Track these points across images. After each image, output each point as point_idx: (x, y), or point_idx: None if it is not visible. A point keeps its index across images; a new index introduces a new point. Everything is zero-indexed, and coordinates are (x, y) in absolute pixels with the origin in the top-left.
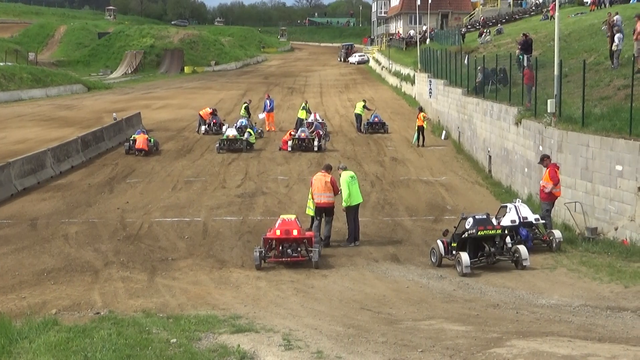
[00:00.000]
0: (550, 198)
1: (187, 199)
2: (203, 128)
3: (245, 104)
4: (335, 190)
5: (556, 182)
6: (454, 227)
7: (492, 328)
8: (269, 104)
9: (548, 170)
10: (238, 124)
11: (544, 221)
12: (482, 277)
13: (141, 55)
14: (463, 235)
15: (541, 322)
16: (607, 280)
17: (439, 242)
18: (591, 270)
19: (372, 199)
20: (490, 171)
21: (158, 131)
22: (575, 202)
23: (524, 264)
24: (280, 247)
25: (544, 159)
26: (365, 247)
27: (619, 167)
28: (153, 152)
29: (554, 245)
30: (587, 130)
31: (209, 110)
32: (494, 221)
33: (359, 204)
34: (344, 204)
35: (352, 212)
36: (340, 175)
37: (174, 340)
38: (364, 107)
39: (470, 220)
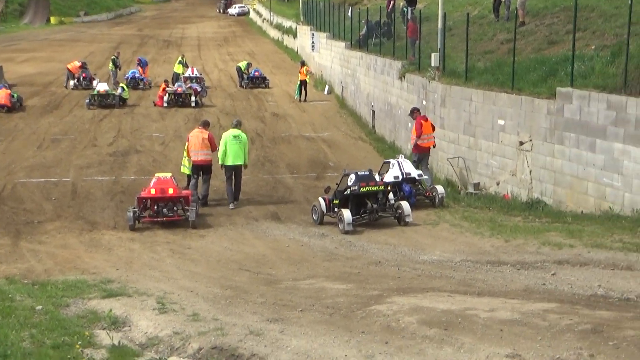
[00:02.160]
0: (417, 150)
1: (54, 158)
2: (72, 82)
3: (113, 57)
4: (213, 147)
5: (419, 134)
6: (336, 184)
7: (373, 285)
8: (142, 62)
9: (415, 123)
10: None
11: (426, 176)
12: (364, 234)
13: (2, 3)
14: (345, 192)
15: (422, 278)
16: (488, 234)
17: (320, 199)
18: (473, 225)
19: (252, 156)
20: (373, 127)
21: (22, 86)
22: (458, 157)
23: (407, 220)
24: (156, 207)
25: (414, 112)
26: (245, 206)
27: (501, 122)
28: (16, 108)
29: (437, 200)
30: (470, 84)
31: (77, 63)
32: (377, 177)
33: (239, 165)
34: (220, 162)
35: (230, 172)
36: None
37: (40, 307)
38: (247, 69)
39: (353, 176)
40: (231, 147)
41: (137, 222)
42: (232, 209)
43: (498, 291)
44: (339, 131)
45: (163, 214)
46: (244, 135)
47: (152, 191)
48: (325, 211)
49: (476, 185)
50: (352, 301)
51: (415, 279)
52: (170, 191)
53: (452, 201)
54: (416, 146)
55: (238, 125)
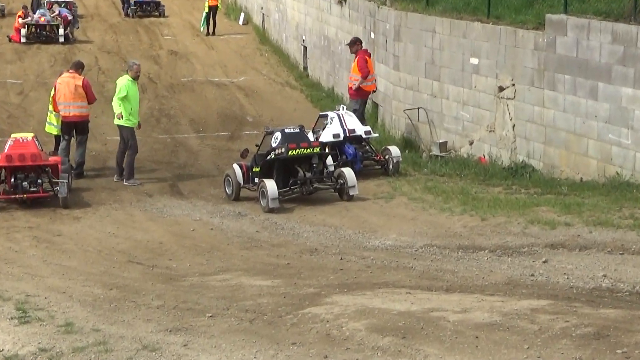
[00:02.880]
0: (359, 95)
1: None
2: None
3: None
4: (90, 97)
5: (366, 74)
6: (256, 145)
7: (308, 281)
8: None
9: (357, 59)
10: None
11: (375, 134)
12: (295, 213)
13: None
14: (269, 157)
15: (373, 270)
16: (459, 211)
17: (235, 167)
18: (439, 198)
19: (143, 110)
20: (305, 68)
21: None
22: (418, 108)
23: (351, 192)
24: (13, 180)
25: (355, 44)
26: (135, 177)
27: (474, 61)
28: None
29: (391, 166)
30: (432, 10)
31: None
32: (311, 136)
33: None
34: (122, 122)
35: (128, 133)
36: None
37: None
38: None
39: (278, 135)
40: (136, 100)
41: None
42: (116, 181)
43: (472, 285)
44: (259, 75)
45: (23, 189)
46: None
47: (8, 158)
48: (242, 183)
49: (443, 146)
50: (280, 302)
51: (363, 272)
52: (33, 158)
53: (412, 167)
54: (360, 90)
55: (132, 67)
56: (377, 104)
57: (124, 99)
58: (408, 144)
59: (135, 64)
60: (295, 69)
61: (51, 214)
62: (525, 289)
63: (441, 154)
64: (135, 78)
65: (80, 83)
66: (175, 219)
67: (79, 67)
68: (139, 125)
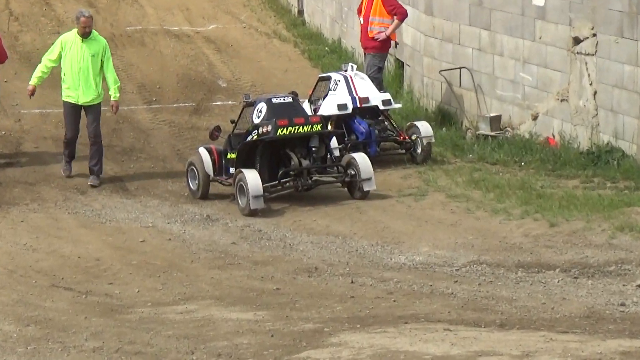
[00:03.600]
0: (383, 47)
1: None
2: None
3: None
4: (2, 55)
5: (404, 16)
6: (232, 122)
7: (305, 313)
8: None
9: None
10: None
11: (397, 104)
12: (287, 216)
13: None
14: (249, 138)
15: (396, 297)
16: (518, 213)
17: (203, 152)
18: (490, 195)
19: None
20: (301, 12)
21: None
22: (459, 67)
23: (366, 187)
24: None
25: None
26: (60, 167)
27: (538, 1)
28: None
29: (419, 150)
30: None
31: None
32: (307, 108)
33: (93, 104)
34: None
35: (74, 115)
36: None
37: None
38: None
39: (263, 107)
40: (74, 64)
41: None
42: (93, 185)
43: (538, 319)
44: (235, 22)
45: None
46: (102, 40)
47: None
48: (211, 174)
49: (495, 121)
50: (266, 344)
51: (382, 300)
52: None
53: (450, 151)
54: (387, 42)
55: (82, 20)
56: (402, 63)
57: (55, 62)
58: (445, 119)
59: (84, 15)
60: (286, 13)
61: None
62: (613, 324)
63: (493, 133)
64: (84, 35)
65: None
66: (118, 225)
67: None
68: (115, 106)
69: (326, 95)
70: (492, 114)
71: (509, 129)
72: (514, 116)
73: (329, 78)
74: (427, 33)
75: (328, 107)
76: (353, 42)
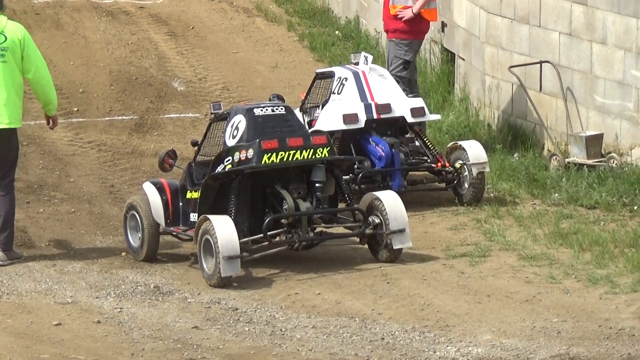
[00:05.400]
0: (415, 31)
1: None
2: None
3: None
4: None
5: None
6: (194, 143)
7: None
8: None
9: None
10: None
11: (434, 115)
12: (275, 287)
13: None
14: (220, 168)
15: None
16: (628, 284)
17: (149, 189)
18: (585, 257)
19: None
20: None
21: None
22: (539, 62)
23: (397, 245)
24: None
25: None
26: None
27: None
28: None
29: (466, 185)
30: None
31: None
32: (301, 118)
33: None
34: None
35: None
36: None
37: None
38: None
39: (241, 121)
40: None
41: None
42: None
43: None
44: None
45: None
46: (20, 31)
47: None
48: (163, 223)
49: (593, 143)
50: None
51: None
52: None
53: (525, 188)
54: (414, 22)
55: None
56: (452, 55)
57: None
58: (518, 139)
59: None
60: None
61: None
62: None
63: (590, 162)
64: None
65: None
66: (20, 301)
67: None
68: (51, 121)
69: (327, 100)
70: (589, 133)
71: (614, 155)
72: (623, 136)
73: (331, 75)
74: (490, 9)
75: (329, 119)
76: (378, 22)
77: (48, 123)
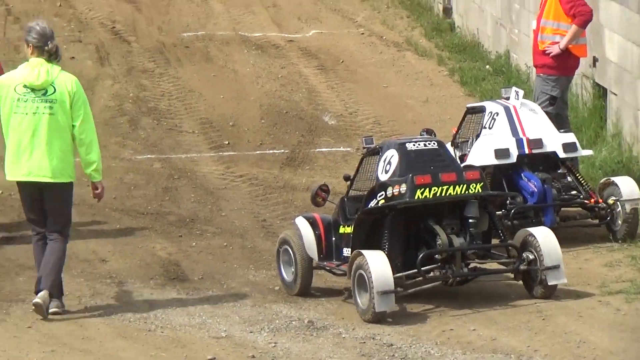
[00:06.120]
0: (564, 67)
1: None
2: None
3: None
4: None
5: (587, 18)
6: (346, 178)
7: None
8: None
9: None
10: None
11: (588, 151)
12: (430, 323)
13: None
14: (373, 203)
15: None
16: None
17: (302, 224)
18: None
19: (102, 100)
20: (449, 11)
21: None
22: None
23: (551, 280)
24: None
25: None
26: (90, 243)
27: None
28: None
29: (619, 221)
30: None
31: None
32: (452, 152)
33: (52, 183)
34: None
35: (29, 197)
36: None
37: None
38: None
39: (393, 156)
40: (20, 126)
41: None
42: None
43: None
44: (347, 25)
45: None
46: (70, 83)
47: None
48: (316, 257)
49: None
50: None
51: None
52: None
53: None
54: (563, 57)
55: (51, 50)
56: (604, 90)
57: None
58: None
59: (35, 31)
60: (425, 12)
61: None
62: None
63: None
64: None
65: None
66: (174, 335)
67: None
68: (95, 186)
69: (478, 135)
70: None
71: None
72: None
73: (482, 110)
74: None
75: (481, 154)
76: (528, 57)
77: (93, 193)
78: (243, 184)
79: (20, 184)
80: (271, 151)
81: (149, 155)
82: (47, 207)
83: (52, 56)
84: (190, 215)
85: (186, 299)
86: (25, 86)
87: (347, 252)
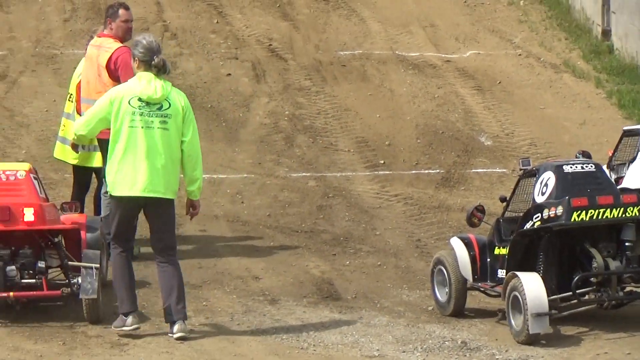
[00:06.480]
0: None
1: None
2: None
3: None
4: None
5: None
6: (502, 199)
7: None
8: None
9: None
10: None
11: None
12: (584, 346)
13: None
14: (529, 225)
15: None
16: None
17: (456, 244)
18: None
19: (258, 117)
20: (608, 33)
21: None
22: None
23: None
24: None
25: None
26: (243, 260)
27: None
28: None
29: None
30: None
31: None
32: (608, 175)
33: (160, 198)
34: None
35: (127, 214)
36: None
37: None
38: None
39: (550, 178)
40: (135, 140)
41: None
42: (131, 328)
43: None
44: (504, 46)
45: (7, 282)
46: (183, 98)
47: None
48: (470, 278)
49: None
50: None
51: None
52: (29, 215)
53: None
54: None
55: (158, 64)
56: None
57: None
58: None
59: (142, 45)
60: (584, 34)
61: (64, 336)
62: None
63: None
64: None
65: (104, 60)
66: (327, 353)
67: (106, 19)
68: (192, 205)
69: (634, 158)
70: None
71: None
72: None
73: (638, 132)
74: None
75: (637, 177)
76: None
77: (187, 211)
78: (398, 203)
79: (124, 200)
80: (426, 171)
81: (304, 173)
82: (152, 224)
83: (160, 70)
84: (344, 234)
85: (339, 318)
86: (140, 99)
87: (501, 273)
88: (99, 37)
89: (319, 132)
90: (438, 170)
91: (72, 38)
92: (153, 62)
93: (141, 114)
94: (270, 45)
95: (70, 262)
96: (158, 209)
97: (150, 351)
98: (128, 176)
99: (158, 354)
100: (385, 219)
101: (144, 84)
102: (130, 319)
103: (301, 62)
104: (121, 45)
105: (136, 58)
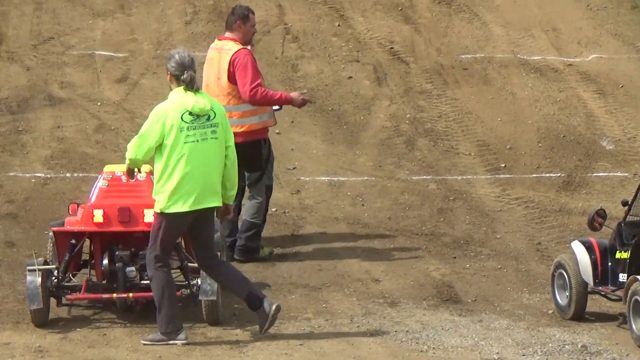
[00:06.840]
0: None
1: None
2: None
3: None
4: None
5: None
6: (624, 203)
7: None
8: None
9: None
10: None
11: None
12: None
13: None
14: None
15: None
16: None
17: (578, 248)
18: None
19: (379, 121)
20: None
21: None
22: None
23: None
24: (107, 260)
25: None
26: (363, 263)
27: None
28: None
29: None
30: None
31: None
32: None
33: (213, 208)
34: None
35: (179, 228)
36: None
37: None
38: None
39: None
40: (195, 155)
41: (58, 301)
42: (183, 342)
43: None
44: (627, 49)
45: (126, 282)
46: (220, 107)
47: (98, 217)
48: (591, 282)
49: None
50: None
51: None
52: (149, 217)
53: None
54: None
55: (186, 79)
56: None
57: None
58: None
59: (174, 60)
60: None
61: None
62: None
63: None
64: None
65: (226, 62)
66: (446, 355)
67: (235, 22)
68: (227, 210)
69: None
70: None
71: None
72: None
73: None
74: None
75: None
76: None
77: (223, 216)
78: (518, 206)
79: (180, 214)
80: (548, 174)
81: (424, 176)
82: (199, 233)
83: (188, 86)
84: (464, 237)
85: (459, 321)
86: (191, 113)
87: (622, 277)
88: (220, 40)
89: (440, 136)
90: (559, 174)
91: (193, 40)
92: (182, 77)
93: (195, 128)
94: (392, 48)
95: (189, 264)
96: (207, 218)
97: (269, 353)
98: (188, 192)
99: (277, 356)
100: (506, 223)
101: (190, 97)
102: (183, 334)
103: (422, 66)
104: (241, 47)
105: (169, 72)
